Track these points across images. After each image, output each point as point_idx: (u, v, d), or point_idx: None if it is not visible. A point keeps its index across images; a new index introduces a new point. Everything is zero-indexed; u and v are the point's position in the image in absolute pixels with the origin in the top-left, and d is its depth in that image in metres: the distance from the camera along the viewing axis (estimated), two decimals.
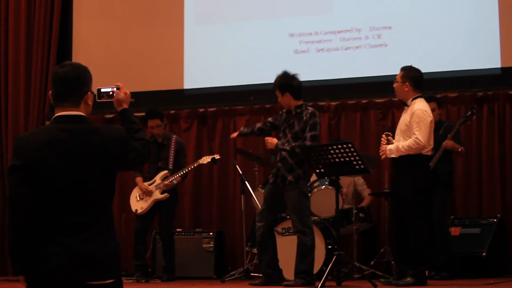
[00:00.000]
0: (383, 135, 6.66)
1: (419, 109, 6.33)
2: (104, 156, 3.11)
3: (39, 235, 2.97)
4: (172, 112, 9.32)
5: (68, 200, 3.01)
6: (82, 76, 3.20)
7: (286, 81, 6.60)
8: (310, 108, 6.61)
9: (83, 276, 2.98)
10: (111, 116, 9.24)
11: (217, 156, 7.99)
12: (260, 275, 6.90)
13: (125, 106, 3.48)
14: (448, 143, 7.21)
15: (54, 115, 3.18)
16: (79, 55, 9.58)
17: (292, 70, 6.78)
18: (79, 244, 2.98)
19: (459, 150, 7.38)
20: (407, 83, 6.46)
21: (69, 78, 3.16)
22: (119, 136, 3.19)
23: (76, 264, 2.97)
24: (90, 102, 3.22)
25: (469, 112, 7.37)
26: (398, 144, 6.40)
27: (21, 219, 2.95)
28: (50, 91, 3.22)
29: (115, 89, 3.51)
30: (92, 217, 3.05)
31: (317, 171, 6.44)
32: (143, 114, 8.25)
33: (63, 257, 2.96)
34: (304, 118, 6.51)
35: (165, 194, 7.93)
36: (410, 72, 6.50)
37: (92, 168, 3.07)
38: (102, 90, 3.48)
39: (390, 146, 6.46)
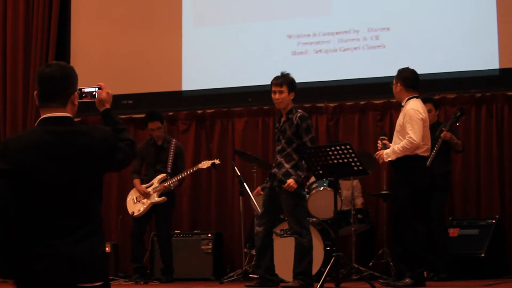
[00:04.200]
0: (379, 141, 6.68)
1: (411, 108, 6.36)
2: (92, 157, 3.07)
3: (27, 238, 2.95)
4: (170, 113, 9.32)
5: (56, 203, 2.99)
6: (69, 76, 3.14)
7: (295, 82, 6.63)
8: (299, 110, 6.61)
9: (73, 278, 2.97)
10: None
11: (217, 161, 7.97)
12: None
13: (108, 106, 3.45)
14: (446, 134, 7.24)
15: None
16: (77, 57, 9.57)
17: (290, 72, 6.78)
18: (68, 247, 2.96)
19: (456, 142, 7.38)
20: (398, 83, 6.51)
21: (56, 78, 3.11)
22: (107, 137, 3.15)
23: (66, 266, 2.95)
24: (76, 102, 3.18)
25: (458, 113, 7.38)
26: (394, 147, 6.42)
27: (8, 223, 2.92)
28: (36, 92, 3.16)
29: (97, 89, 3.45)
30: (81, 219, 3.02)
31: (316, 172, 6.44)
32: (143, 116, 8.27)
33: (53, 260, 2.94)
34: (295, 122, 6.50)
35: (163, 198, 7.92)
36: (401, 73, 6.55)
37: (80, 170, 3.03)
38: (84, 90, 3.42)
39: (386, 151, 6.48)
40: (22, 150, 2.99)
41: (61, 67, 3.16)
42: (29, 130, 3.19)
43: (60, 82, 3.12)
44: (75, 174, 3.02)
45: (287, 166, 6.52)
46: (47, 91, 3.11)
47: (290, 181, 6.41)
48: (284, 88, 6.58)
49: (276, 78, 6.63)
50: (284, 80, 6.59)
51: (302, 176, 6.50)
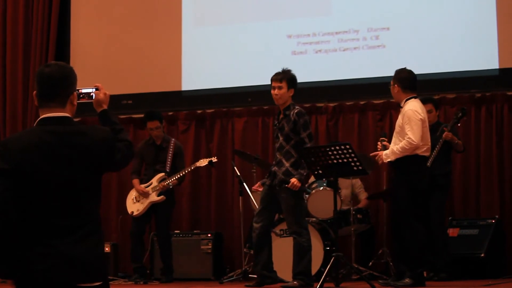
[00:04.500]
0: (379, 142, 6.68)
1: (409, 109, 6.37)
2: (91, 158, 3.07)
3: (27, 238, 2.95)
4: (170, 113, 9.31)
5: (56, 203, 2.99)
6: (68, 76, 3.15)
7: (295, 78, 6.63)
8: (297, 107, 6.61)
9: (72, 278, 2.97)
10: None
11: (214, 159, 7.98)
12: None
13: (105, 107, 3.46)
14: (447, 135, 7.25)
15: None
16: (77, 57, 9.57)
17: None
18: (67, 247, 2.96)
19: (456, 142, 7.39)
20: (396, 85, 6.52)
21: (55, 78, 3.11)
22: (105, 137, 3.15)
23: (65, 266, 2.95)
24: (75, 103, 3.18)
25: (460, 114, 7.39)
26: (393, 148, 6.42)
27: (8, 223, 2.92)
28: (35, 92, 3.17)
29: (94, 89, 3.46)
30: (80, 219, 3.02)
31: (315, 172, 6.43)
32: (142, 116, 8.28)
33: (52, 260, 2.94)
34: (292, 118, 6.50)
35: (162, 197, 7.93)
36: (398, 74, 6.55)
37: (79, 171, 3.04)
38: (82, 90, 3.43)
39: (386, 151, 6.48)
40: (21, 150, 2.99)
41: (60, 67, 3.16)
42: (28, 130, 3.19)
43: (59, 82, 3.12)
44: (75, 174, 3.03)
45: (287, 164, 6.52)
46: (46, 91, 3.12)
47: (294, 180, 6.42)
48: (284, 84, 6.58)
49: (277, 74, 6.64)
50: (284, 76, 6.60)
51: (304, 174, 6.51)
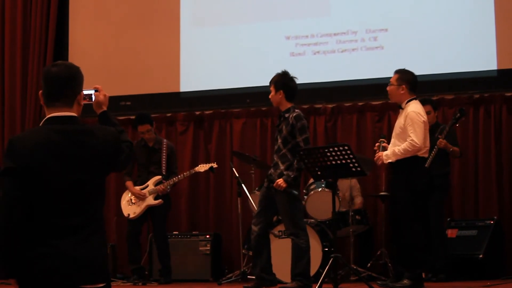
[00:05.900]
0: (377, 143, 6.66)
1: (412, 111, 6.35)
2: (98, 157, 3.08)
3: (31, 238, 2.94)
4: (169, 115, 9.32)
5: (61, 202, 2.98)
6: (75, 76, 3.15)
7: (284, 79, 6.62)
8: (296, 110, 6.60)
9: (76, 279, 2.96)
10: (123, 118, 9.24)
11: (215, 165, 7.97)
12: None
13: (105, 108, 3.46)
14: (441, 142, 7.24)
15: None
16: (75, 58, 9.55)
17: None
18: (71, 247, 2.95)
19: (451, 149, 7.39)
20: (403, 85, 6.46)
21: (63, 78, 3.11)
22: (112, 137, 3.16)
23: (69, 267, 2.95)
24: (81, 103, 3.19)
25: (458, 114, 7.38)
26: (394, 149, 6.40)
27: (14, 222, 2.91)
28: (41, 91, 3.17)
29: (94, 91, 3.46)
30: (84, 219, 3.02)
31: (314, 173, 6.43)
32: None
33: (56, 260, 2.94)
34: (291, 122, 6.50)
35: (159, 200, 7.93)
36: (405, 75, 6.50)
37: (85, 170, 3.04)
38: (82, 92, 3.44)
39: (386, 152, 6.46)
40: (29, 149, 2.99)
41: (67, 67, 3.16)
42: (35, 129, 3.18)
43: (66, 82, 3.12)
44: (82, 173, 3.03)
45: (282, 167, 6.51)
46: (53, 90, 3.12)
47: (280, 180, 6.43)
48: (272, 88, 6.63)
49: None
50: (271, 79, 6.65)
51: (292, 176, 6.46)
